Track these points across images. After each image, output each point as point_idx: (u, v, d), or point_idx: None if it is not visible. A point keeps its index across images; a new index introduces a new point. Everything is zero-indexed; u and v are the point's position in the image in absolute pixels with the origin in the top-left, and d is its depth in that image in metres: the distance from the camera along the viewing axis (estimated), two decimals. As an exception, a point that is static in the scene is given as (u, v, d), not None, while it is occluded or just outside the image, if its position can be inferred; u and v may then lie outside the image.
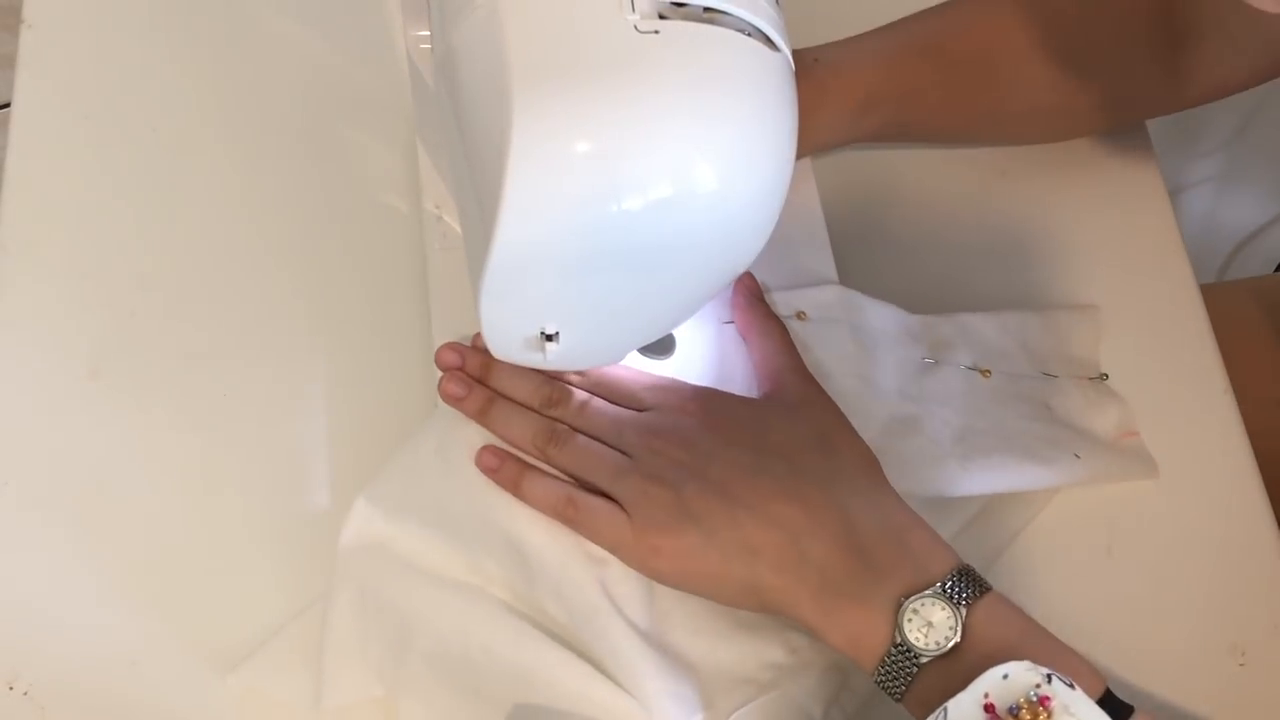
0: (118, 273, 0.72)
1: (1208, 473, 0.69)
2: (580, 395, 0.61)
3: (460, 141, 0.50)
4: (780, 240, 0.53)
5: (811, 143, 0.69)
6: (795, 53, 0.67)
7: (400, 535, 0.61)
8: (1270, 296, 0.88)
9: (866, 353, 0.67)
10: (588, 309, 0.52)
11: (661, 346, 0.59)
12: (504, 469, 0.61)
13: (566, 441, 0.59)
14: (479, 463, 0.61)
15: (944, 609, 0.52)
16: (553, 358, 0.53)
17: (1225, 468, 0.69)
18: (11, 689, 0.60)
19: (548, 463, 0.60)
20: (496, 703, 0.58)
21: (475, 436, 0.62)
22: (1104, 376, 0.71)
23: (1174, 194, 0.79)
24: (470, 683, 0.58)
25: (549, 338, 0.52)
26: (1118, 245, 0.76)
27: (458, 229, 0.70)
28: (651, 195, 0.47)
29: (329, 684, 0.60)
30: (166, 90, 0.77)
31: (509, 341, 0.53)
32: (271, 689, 0.61)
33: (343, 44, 0.79)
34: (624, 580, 0.59)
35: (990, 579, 0.56)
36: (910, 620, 0.52)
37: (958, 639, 0.52)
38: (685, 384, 0.61)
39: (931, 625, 0.52)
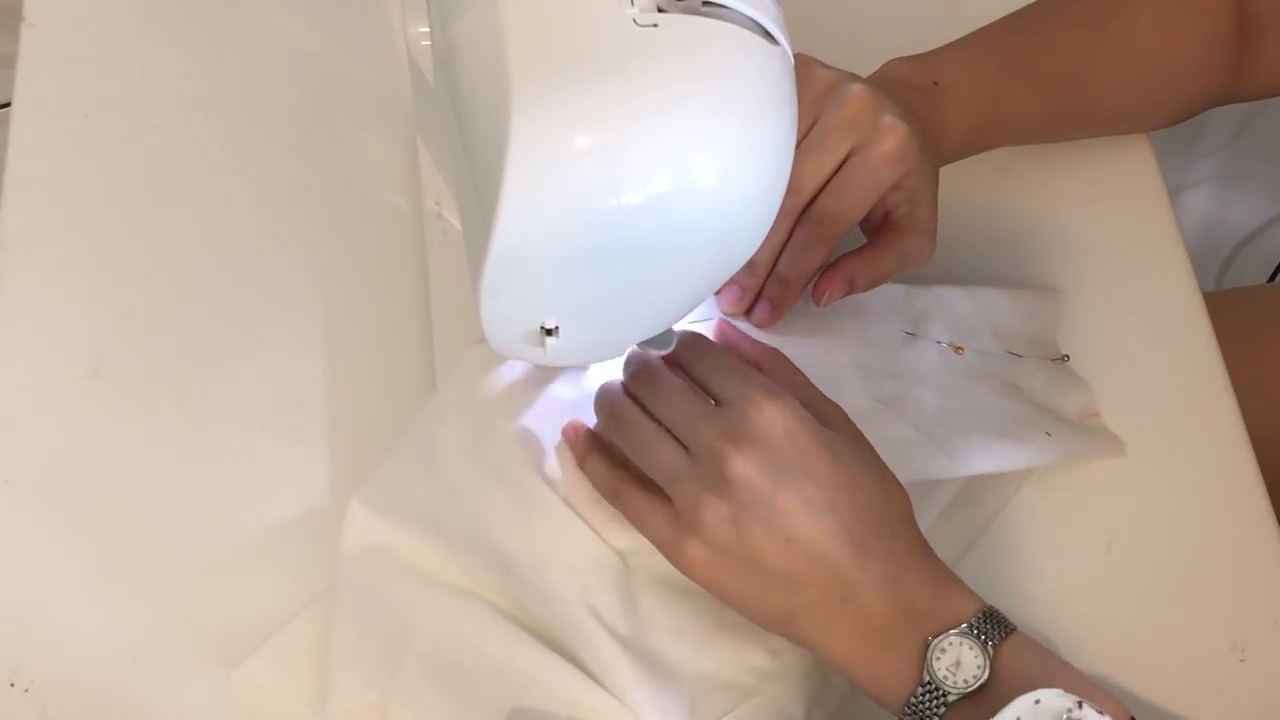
0: (118, 271, 0.72)
1: (1208, 470, 0.69)
2: (665, 377, 0.59)
3: (459, 137, 0.50)
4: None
5: (938, 165, 0.69)
6: (912, 66, 0.69)
7: (396, 539, 0.61)
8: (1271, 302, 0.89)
9: (854, 330, 0.67)
10: (587, 304, 0.52)
11: (661, 341, 0.59)
12: (578, 441, 0.61)
13: (627, 426, 0.58)
14: (564, 427, 0.61)
15: (972, 648, 0.53)
16: (552, 353, 0.53)
17: (1225, 465, 0.69)
18: (12, 686, 0.60)
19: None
20: (490, 709, 0.58)
21: (452, 438, 0.62)
22: (1065, 358, 0.71)
23: (1174, 194, 0.79)
24: (464, 688, 0.58)
25: (549, 332, 0.52)
26: (1118, 245, 0.76)
27: (458, 226, 0.70)
28: (651, 189, 0.47)
29: (330, 690, 0.60)
30: (166, 89, 0.78)
31: (509, 336, 0.53)
32: (273, 685, 0.61)
33: (343, 41, 0.80)
34: (602, 589, 0.58)
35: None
36: (938, 659, 0.53)
37: (985, 677, 0.52)
38: (770, 385, 0.57)
39: (959, 664, 0.52)
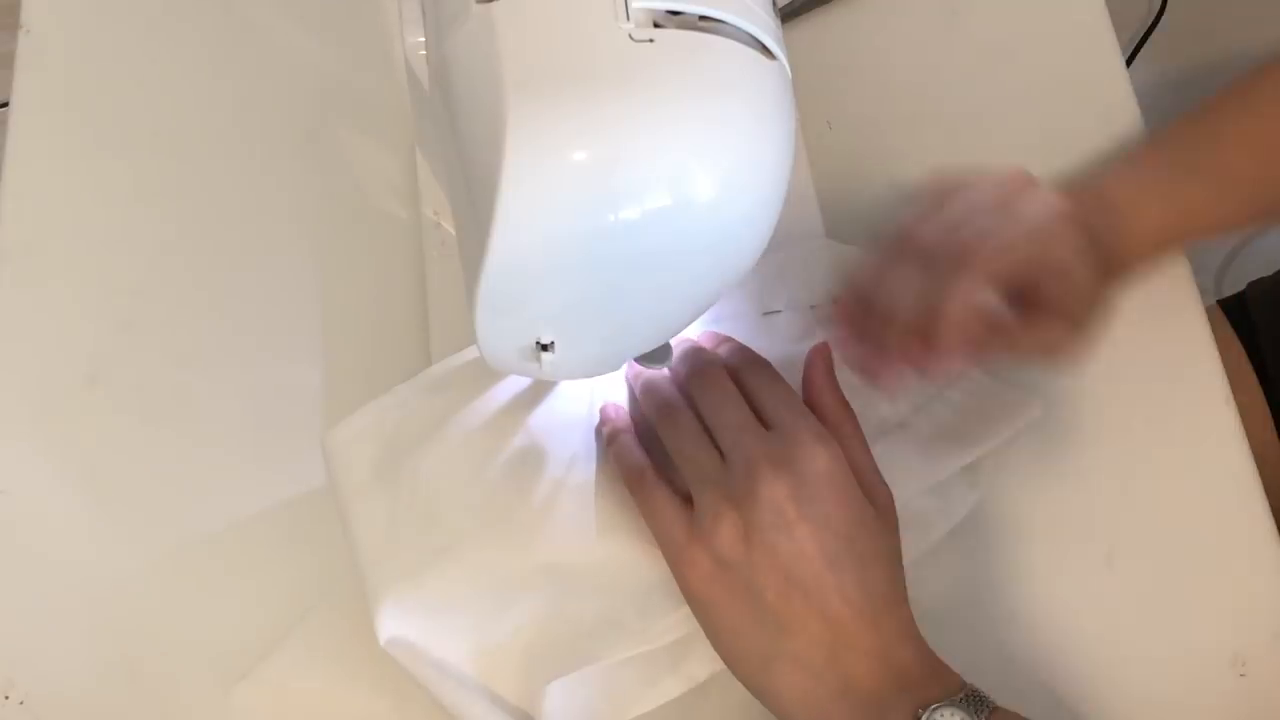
0: (116, 277, 0.71)
1: (1208, 481, 0.68)
2: (726, 385, 0.59)
3: (455, 150, 0.49)
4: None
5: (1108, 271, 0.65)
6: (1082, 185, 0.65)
7: None
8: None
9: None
10: (584, 319, 0.51)
11: (658, 356, 0.59)
12: (612, 421, 0.61)
13: (675, 422, 0.58)
14: (604, 406, 0.62)
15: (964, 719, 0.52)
16: (548, 368, 0.53)
17: (1225, 476, 0.69)
18: (7, 698, 0.60)
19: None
20: None
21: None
22: (812, 308, 0.69)
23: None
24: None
25: (544, 347, 0.52)
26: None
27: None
28: (648, 204, 0.46)
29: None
30: (166, 93, 0.77)
31: (504, 351, 0.53)
32: (274, 700, 0.60)
33: (343, 49, 0.79)
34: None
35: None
36: None
37: None
38: (823, 429, 0.57)
39: None
